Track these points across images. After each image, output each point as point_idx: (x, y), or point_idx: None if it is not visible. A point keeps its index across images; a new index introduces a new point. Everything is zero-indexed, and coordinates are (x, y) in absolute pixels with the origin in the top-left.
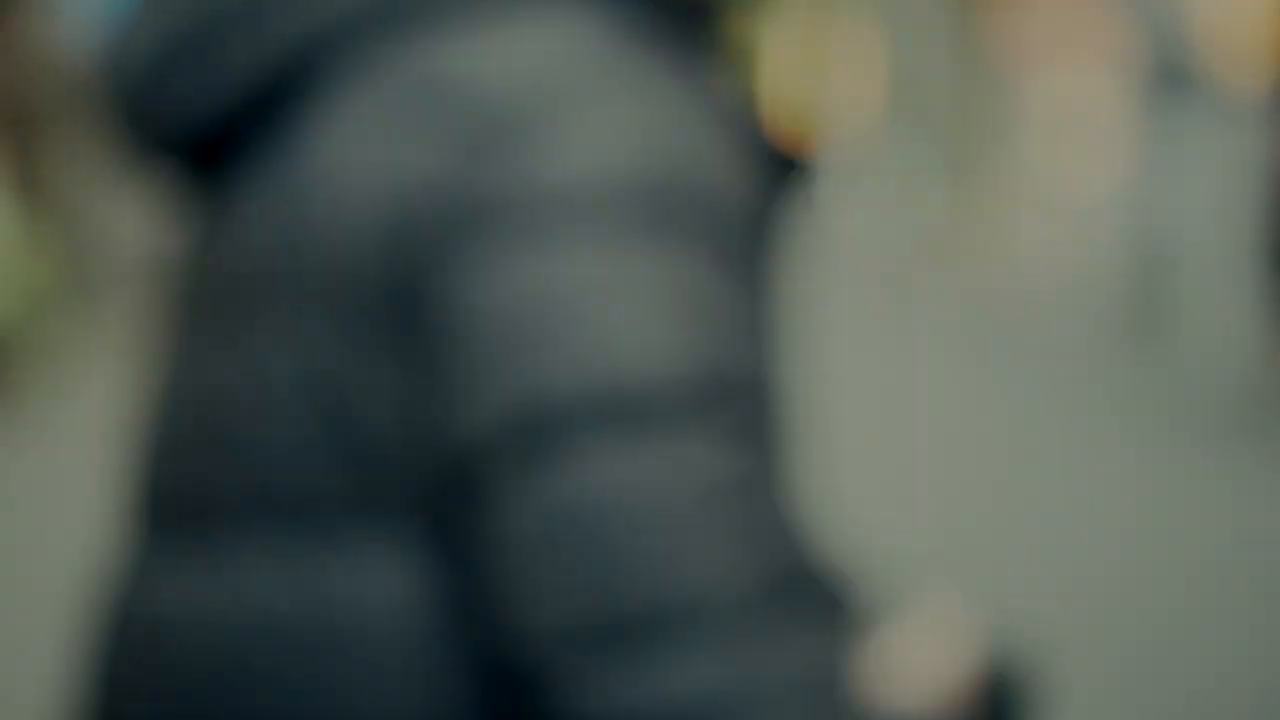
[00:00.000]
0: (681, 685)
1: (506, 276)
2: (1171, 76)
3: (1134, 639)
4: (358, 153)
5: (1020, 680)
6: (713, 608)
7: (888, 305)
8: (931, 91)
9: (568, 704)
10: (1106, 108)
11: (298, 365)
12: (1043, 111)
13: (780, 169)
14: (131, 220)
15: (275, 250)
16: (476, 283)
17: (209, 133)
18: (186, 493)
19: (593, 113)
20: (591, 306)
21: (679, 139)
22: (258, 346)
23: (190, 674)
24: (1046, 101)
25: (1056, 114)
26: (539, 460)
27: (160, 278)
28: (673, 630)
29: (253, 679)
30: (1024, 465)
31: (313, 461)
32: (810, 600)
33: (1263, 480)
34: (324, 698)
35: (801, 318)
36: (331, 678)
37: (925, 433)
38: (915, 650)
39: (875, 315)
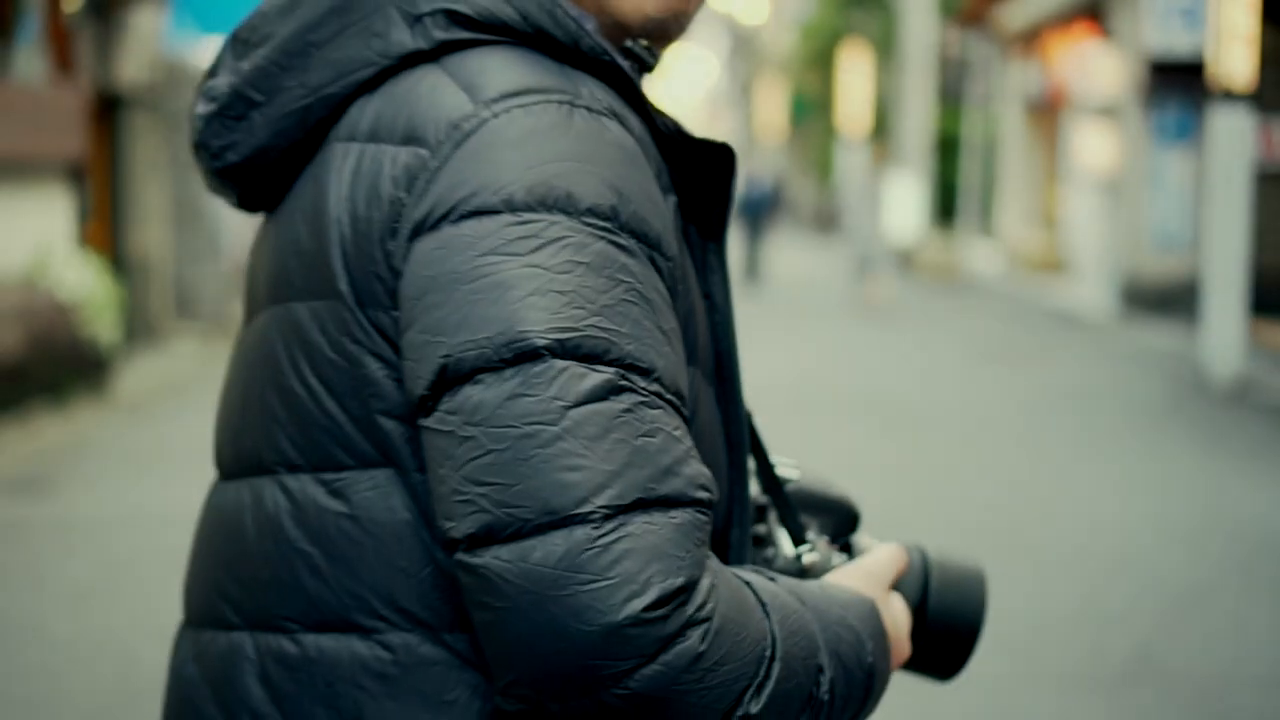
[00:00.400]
0: (536, 554)
1: (425, 267)
2: (1167, 83)
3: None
4: (349, 173)
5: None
6: (572, 502)
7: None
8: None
9: (459, 566)
10: (1104, 108)
11: (323, 347)
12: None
13: (714, 193)
14: (206, 261)
15: (303, 254)
16: (408, 273)
17: (254, 170)
18: (249, 438)
19: (503, 142)
20: (483, 288)
21: (583, 164)
22: (296, 332)
23: (250, 555)
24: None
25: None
26: (446, 401)
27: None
28: (539, 517)
29: (293, 559)
30: (1014, 446)
31: (335, 414)
32: (668, 507)
33: (1240, 452)
34: (341, 573)
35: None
36: (346, 558)
37: (913, 405)
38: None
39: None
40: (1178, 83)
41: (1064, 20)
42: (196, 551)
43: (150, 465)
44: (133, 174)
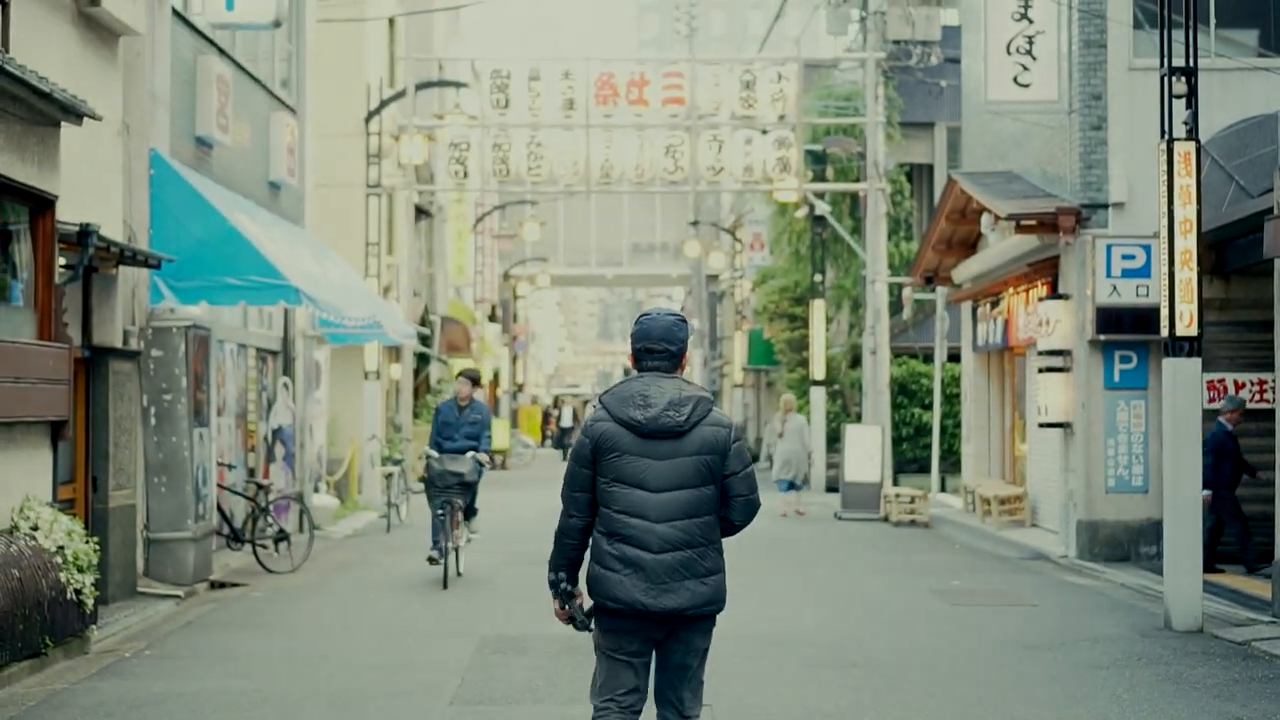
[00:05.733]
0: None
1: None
2: (1119, 332)
3: None
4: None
5: None
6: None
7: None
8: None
9: (744, 498)
10: (1059, 355)
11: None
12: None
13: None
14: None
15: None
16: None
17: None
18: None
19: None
20: None
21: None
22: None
23: (689, 503)
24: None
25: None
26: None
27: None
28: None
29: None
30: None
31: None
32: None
33: (1205, 694)
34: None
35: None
36: (713, 502)
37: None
38: None
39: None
40: (1129, 331)
41: (1018, 274)
42: (661, 507)
43: None
44: (113, 430)
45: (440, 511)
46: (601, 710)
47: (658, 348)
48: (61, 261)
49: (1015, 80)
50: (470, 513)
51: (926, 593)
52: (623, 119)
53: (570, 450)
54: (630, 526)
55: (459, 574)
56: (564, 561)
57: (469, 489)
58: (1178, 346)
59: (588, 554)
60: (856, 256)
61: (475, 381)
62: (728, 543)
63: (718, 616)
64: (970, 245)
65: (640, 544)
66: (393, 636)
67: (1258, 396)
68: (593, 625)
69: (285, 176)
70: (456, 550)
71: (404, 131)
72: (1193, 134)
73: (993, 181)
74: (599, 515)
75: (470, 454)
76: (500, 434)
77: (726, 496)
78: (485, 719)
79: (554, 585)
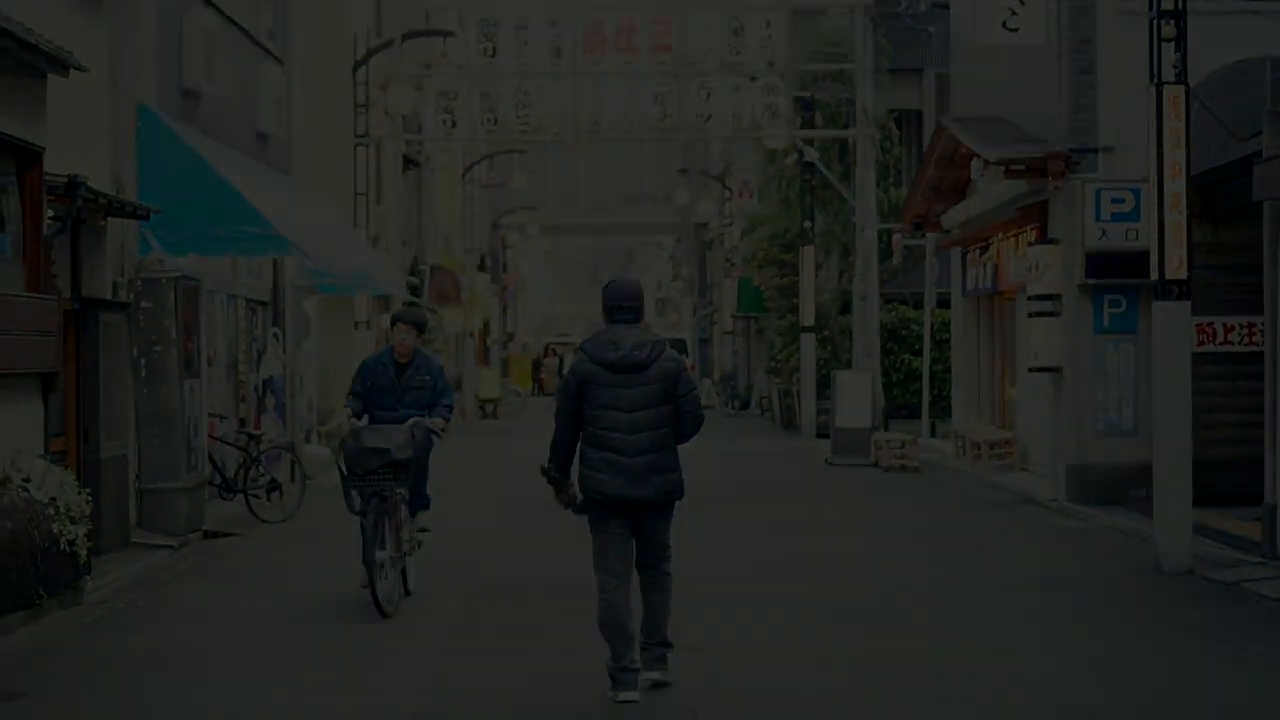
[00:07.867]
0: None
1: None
2: (1108, 276)
3: None
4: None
5: None
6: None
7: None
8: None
9: (691, 414)
10: (1048, 300)
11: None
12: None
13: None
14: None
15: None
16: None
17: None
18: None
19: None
20: None
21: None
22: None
23: (654, 419)
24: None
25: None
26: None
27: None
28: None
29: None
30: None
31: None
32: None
33: (1195, 634)
34: (670, 420)
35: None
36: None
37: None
38: None
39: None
40: (1118, 275)
41: (1007, 219)
42: (632, 423)
43: (115, 672)
44: (104, 381)
45: (364, 512)
46: (601, 582)
47: (625, 304)
48: (50, 213)
49: (1004, 24)
50: (419, 502)
51: (916, 536)
52: (611, 67)
53: (560, 386)
54: (611, 439)
55: (407, 592)
56: (558, 461)
57: (404, 472)
58: (1167, 290)
59: (578, 460)
60: (846, 203)
61: (420, 328)
62: (719, 488)
63: (698, 572)
64: (959, 191)
65: (619, 451)
66: None
67: (1247, 339)
68: (581, 507)
69: (273, 127)
70: (404, 562)
71: (391, 81)
72: (1182, 77)
73: (981, 127)
74: (586, 432)
75: (410, 421)
76: (492, 383)
77: (679, 414)
78: (479, 661)
79: (548, 475)
